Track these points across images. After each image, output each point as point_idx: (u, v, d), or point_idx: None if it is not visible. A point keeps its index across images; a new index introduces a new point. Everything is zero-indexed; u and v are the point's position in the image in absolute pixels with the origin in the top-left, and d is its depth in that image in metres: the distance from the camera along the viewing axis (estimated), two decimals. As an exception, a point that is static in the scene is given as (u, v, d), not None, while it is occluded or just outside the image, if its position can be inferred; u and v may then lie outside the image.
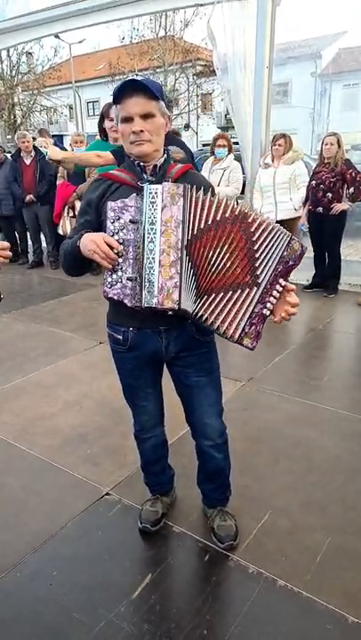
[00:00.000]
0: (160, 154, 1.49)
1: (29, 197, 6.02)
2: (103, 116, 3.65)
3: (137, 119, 1.40)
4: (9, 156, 6.59)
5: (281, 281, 1.43)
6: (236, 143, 5.46)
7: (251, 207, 1.42)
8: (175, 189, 1.32)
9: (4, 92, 19.88)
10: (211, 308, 1.41)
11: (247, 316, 1.41)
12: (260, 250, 1.39)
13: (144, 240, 1.33)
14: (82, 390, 3.07)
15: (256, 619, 1.55)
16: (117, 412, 2.72)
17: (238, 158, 5.22)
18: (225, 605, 1.62)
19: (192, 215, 1.35)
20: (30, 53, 21.55)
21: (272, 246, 1.39)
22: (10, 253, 1.35)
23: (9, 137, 15.13)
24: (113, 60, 23.14)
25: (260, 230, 1.38)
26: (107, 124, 3.62)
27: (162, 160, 1.49)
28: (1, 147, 6.60)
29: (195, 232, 1.36)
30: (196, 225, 1.36)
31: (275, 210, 4.78)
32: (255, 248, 1.38)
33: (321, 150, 4.66)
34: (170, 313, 1.37)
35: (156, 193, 1.32)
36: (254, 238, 1.38)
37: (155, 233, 1.33)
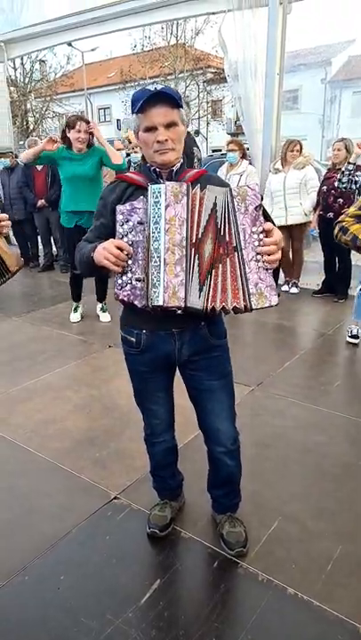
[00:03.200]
0: (179, 160, 1.49)
1: (41, 202, 6.08)
2: (68, 126, 3.85)
3: (161, 129, 1.40)
4: (19, 161, 6.65)
5: (254, 229, 1.36)
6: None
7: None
8: (178, 188, 1.32)
9: (17, 98, 20.11)
10: (210, 296, 1.38)
11: (243, 278, 1.36)
12: (219, 220, 1.36)
13: (149, 239, 1.33)
14: (91, 393, 3.07)
15: (266, 628, 1.52)
16: (126, 415, 2.72)
17: None
18: (234, 613, 1.59)
19: (196, 213, 1.34)
20: (43, 61, 21.82)
21: (223, 209, 1.35)
22: (9, 223, 1.40)
23: (21, 142, 15.32)
24: (125, 67, 23.34)
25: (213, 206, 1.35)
26: (73, 134, 3.83)
27: (178, 165, 1.49)
28: (12, 152, 6.66)
29: (203, 230, 1.35)
30: (202, 223, 1.35)
31: (285, 214, 4.77)
32: (219, 226, 1.36)
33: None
34: (179, 312, 1.37)
35: (159, 192, 1.32)
36: (217, 214, 1.35)
37: (159, 232, 1.32)
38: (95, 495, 2.12)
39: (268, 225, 1.38)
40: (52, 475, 2.28)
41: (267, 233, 1.38)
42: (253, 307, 1.37)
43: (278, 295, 1.41)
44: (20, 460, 2.40)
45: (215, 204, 1.35)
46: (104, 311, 4.46)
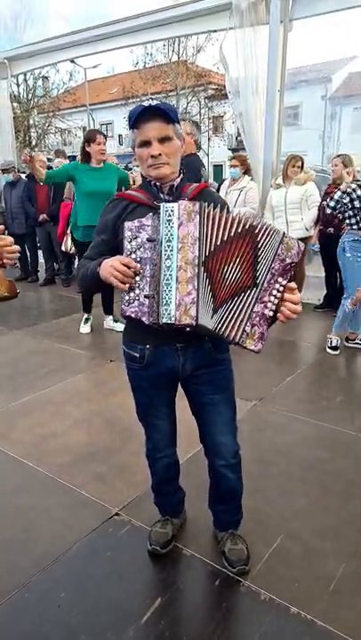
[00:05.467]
0: (176, 175, 1.52)
1: (43, 217, 6.13)
2: (88, 141, 4.03)
3: (155, 143, 1.43)
4: (23, 176, 6.73)
5: (280, 280, 1.41)
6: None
7: (260, 221, 1.41)
8: (191, 207, 1.34)
9: (20, 114, 20.40)
10: (222, 319, 1.41)
11: (246, 316, 1.40)
12: (260, 253, 1.39)
13: (161, 257, 1.35)
14: (91, 408, 3.06)
15: (268, 647, 1.50)
16: (127, 430, 2.71)
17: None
18: (236, 633, 1.57)
19: (208, 232, 1.37)
20: (46, 77, 22.18)
21: (268, 245, 1.39)
22: (17, 247, 1.33)
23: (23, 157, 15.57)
24: (127, 83, 23.71)
25: (260, 235, 1.39)
26: (95, 147, 4.02)
27: (178, 180, 1.52)
28: (14, 167, 6.72)
29: (212, 249, 1.37)
30: (213, 241, 1.37)
31: (286, 229, 4.80)
32: (258, 254, 1.39)
33: None
34: (188, 329, 1.38)
35: (172, 211, 1.34)
36: (259, 245, 1.39)
37: (172, 250, 1.34)
38: (96, 511, 2.11)
39: (293, 284, 1.42)
40: (52, 490, 2.26)
41: (290, 290, 1.42)
42: (241, 344, 1.41)
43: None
44: (21, 476, 2.39)
45: (259, 238, 1.38)
46: (116, 321, 4.50)
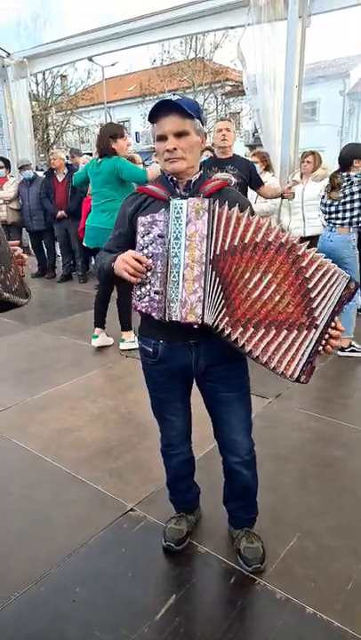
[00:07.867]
0: (195, 170, 1.51)
1: (61, 213, 6.16)
2: (116, 136, 3.85)
3: (171, 137, 1.43)
4: (40, 173, 6.75)
5: (336, 319, 1.41)
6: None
7: (283, 227, 1.40)
8: (200, 204, 1.33)
9: (38, 112, 20.58)
10: (262, 345, 1.38)
11: (306, 357, 1.38)
12: (317, 290, 1.36)
13: (168, 254, 1.35)
14: (107, 403, 3.07)
15: (284, 647, 1.48)
16: (143, 426, 2.71)
17: None
18: (251, 632, 1.56)
19: (220, 231, 1.35)
20: (64, 76, 22.34)
21: (330, 288, 1.37)
22: (25, 256, 1.40)
23: (42, 155, 15.70)
24: (144, 81, 23.72)
25: (313, 268, 1.35)
26: (124, 142, 3.90)
27: (197, 176, 1.51)
28: (30, 164, 6.73)
29: (225, 248, 1.35)
30: (228, 240, 1.35)
31: (303, 226, 4.75)
32: (310, 287, 1.35)
33: None
34: (195, 327, 1.37)
35: (180, 208, 1.33)
36: (308, 275, 1.35)
37: (179, 247, 1.34)
38: (111, 506, 2.11)
39: (341, 327, 1.43)
40: (68, 485, 2.28)
41: (336, 324, 1.42)
42: (295, 379, 1.40)
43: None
44: (37, 470, 2.41)
45: (334, 280, 1.36)
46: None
